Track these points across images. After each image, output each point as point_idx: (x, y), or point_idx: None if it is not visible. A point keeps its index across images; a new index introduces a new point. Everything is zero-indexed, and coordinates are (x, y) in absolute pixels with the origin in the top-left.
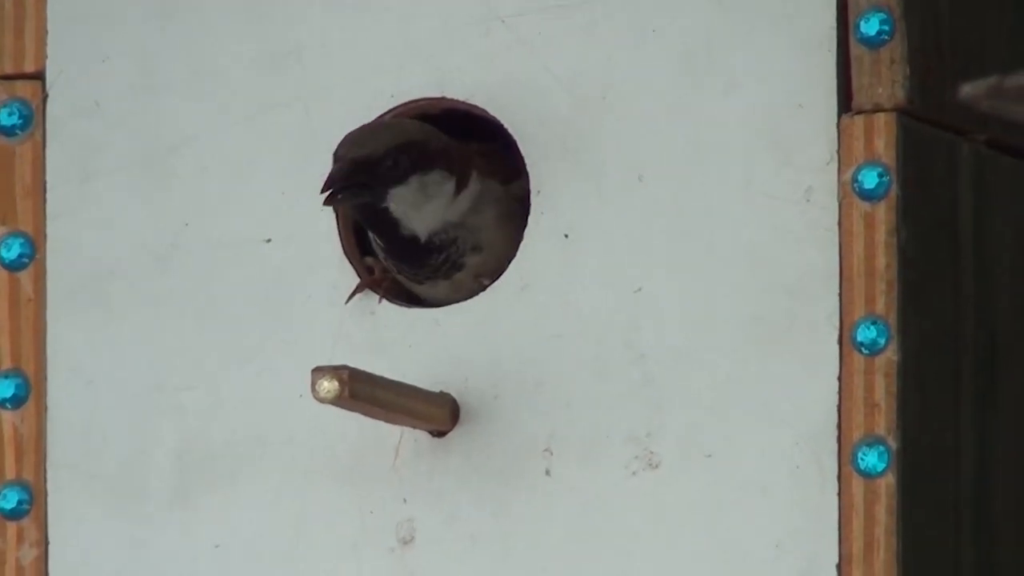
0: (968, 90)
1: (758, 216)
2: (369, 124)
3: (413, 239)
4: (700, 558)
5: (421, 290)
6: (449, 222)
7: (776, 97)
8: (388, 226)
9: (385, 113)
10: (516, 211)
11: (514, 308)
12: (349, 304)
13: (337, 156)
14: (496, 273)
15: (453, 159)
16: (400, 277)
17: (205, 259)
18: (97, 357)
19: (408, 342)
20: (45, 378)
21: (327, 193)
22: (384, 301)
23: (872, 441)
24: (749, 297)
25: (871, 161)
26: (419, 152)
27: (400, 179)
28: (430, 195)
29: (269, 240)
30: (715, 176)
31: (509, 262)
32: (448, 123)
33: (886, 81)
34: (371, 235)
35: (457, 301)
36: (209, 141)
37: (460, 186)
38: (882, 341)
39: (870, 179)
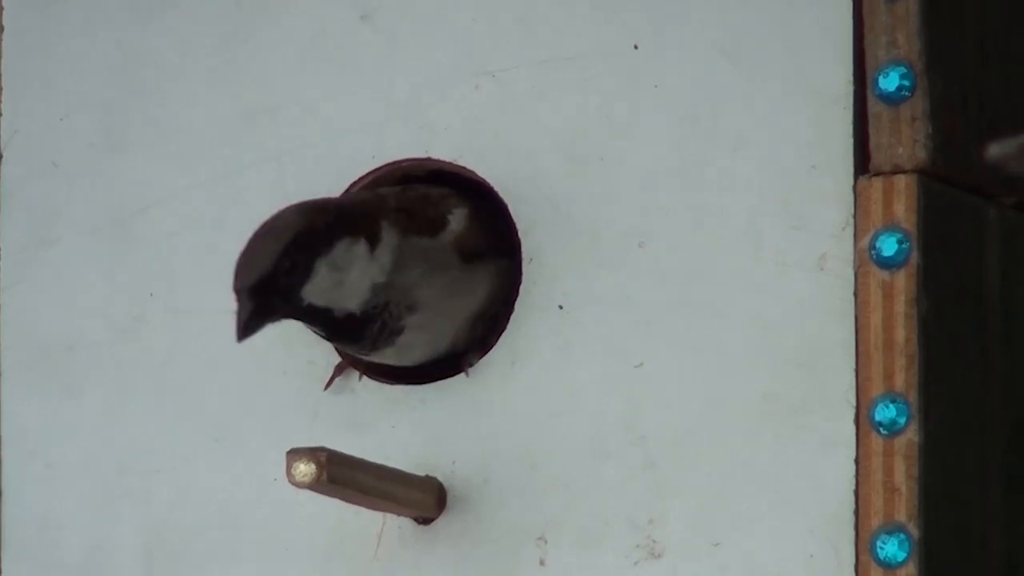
0: (996, 150)
1: (768, 285)
2: (254, 236)
3: (349, 317)
4: None
5: (377, 358)
6: (377, 284)
7: (787, 157)
8: (321, 316)
9: (367, 175)
10: (453, 262)
11: (505, 385)
12: (327, 380)
13: (235, 290)
14: (441, 334)
15: (355, 220)
16: (350, 353)
17: (172, 332)
18: (55, 438)
19: (391, 422)
20: None
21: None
22: (365, 378)
23: (892, 529)
24: (758, 373)
25: (890, 226)
26: (311, 239)
27: (306, 275)
28: (344, 267)
29: None
30: (722, 242)
31: (458, 320)
32: (434, 185)
33: (907, 140)
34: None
35: (407, 364)
36: (176, 204)
37: (373, 243)
38: (902, 421)
39: (889, 246)
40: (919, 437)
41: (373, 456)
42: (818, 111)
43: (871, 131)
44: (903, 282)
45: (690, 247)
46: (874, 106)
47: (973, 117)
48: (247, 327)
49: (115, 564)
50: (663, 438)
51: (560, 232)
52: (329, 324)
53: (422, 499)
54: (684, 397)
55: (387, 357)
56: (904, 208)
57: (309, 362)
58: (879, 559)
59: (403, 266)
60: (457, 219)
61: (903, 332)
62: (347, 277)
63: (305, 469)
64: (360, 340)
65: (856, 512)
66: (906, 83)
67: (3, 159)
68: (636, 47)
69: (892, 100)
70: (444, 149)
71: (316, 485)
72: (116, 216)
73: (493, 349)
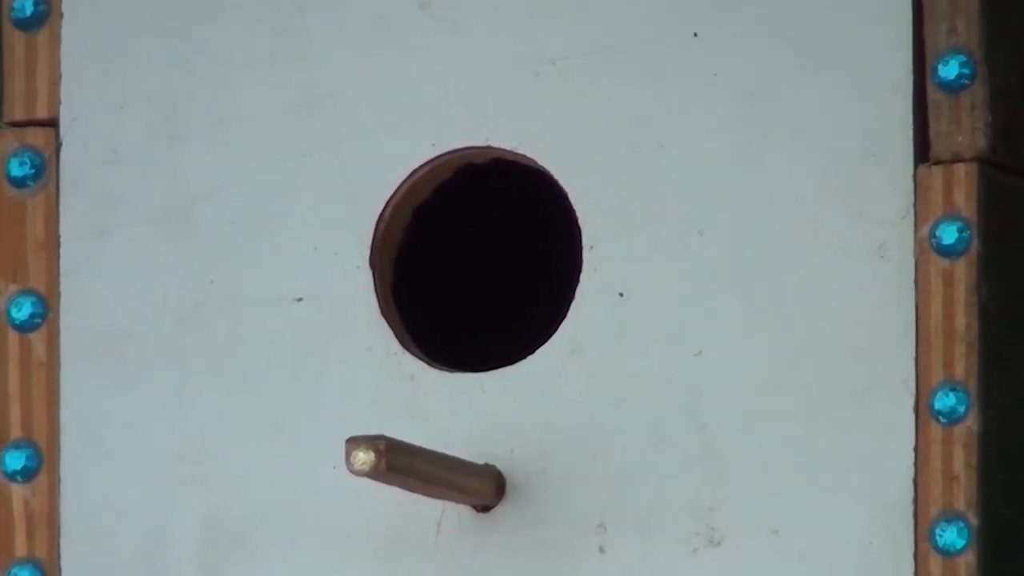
0: None
1: (828, 273)
2: None
3: None
4: None
5: None
6: None
7: (847, 145)
8: None
9: (426, 163)
10: None
11: (565, 373)
12: (386, 367)
13: None
14: None
15: None
16: None
17: (231, 319)
18: (115, 425)
19: (450, 409)
20: (59, 448)
21: None
22: (423, 364)
23: (951, 516)
24: (818, 361)
25: (950, 215)
26: None
27: None
28: None
29: (300, 299)
30: (781, 230)
31: None
32: (494, 174)
33: (966, 128)
34: None
35: None
36: (235, 192)
37: None
38: (962, 409)
39: (949, 234)
40: (978, 425)
41: (432, 444)
42: (878, 99)
43: (930, 119)
44: (963, 270)
45: (749, 235)
46: (933, 94)
47: None
48: None
49: (173, 551)
50: (722, 426)
51: (619, 220)
52: None
53: (481, 487)
54: (743, 385)
55: None
56: (964, 196)
57: (368, 349)
58: (938, 547)
59: None
60: None
61: (963, 320)
62: None
63: (364, 457)
64: None
65: (915, 500)
66: (966, 71)
67: (63, 147)
68: (695, 35)
69: (952, 88)
70: (504, 137)
71: (375, 473)
72: (176, 204)
73: (553, 336)
